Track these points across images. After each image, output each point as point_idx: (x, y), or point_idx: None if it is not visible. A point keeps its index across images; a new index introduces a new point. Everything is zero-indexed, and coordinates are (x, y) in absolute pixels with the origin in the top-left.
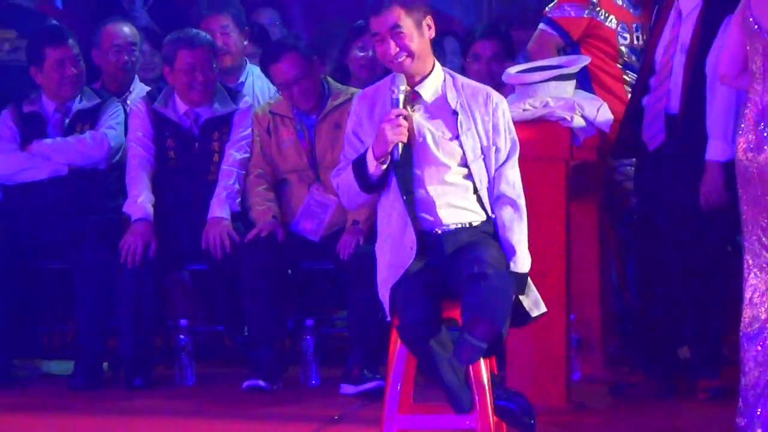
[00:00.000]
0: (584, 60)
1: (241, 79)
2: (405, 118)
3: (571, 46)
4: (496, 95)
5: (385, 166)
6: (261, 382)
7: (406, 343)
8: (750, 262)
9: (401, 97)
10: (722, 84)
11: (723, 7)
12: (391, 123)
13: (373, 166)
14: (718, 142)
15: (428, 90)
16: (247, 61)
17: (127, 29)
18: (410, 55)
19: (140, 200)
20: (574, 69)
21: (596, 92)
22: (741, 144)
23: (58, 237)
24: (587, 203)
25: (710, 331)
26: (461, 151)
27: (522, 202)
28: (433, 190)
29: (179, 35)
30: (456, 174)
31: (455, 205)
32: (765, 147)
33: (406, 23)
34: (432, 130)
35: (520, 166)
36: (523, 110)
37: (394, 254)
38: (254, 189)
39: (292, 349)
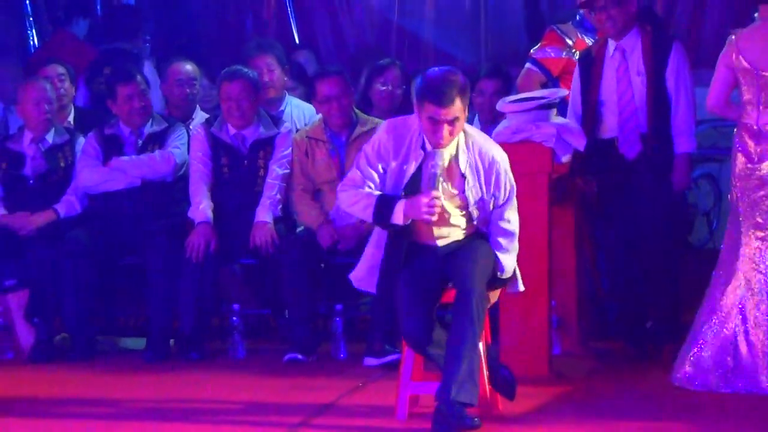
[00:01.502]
0: (563, 92)
1: (282, 107)
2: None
3: (552, 81)
4: (497, 156)
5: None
6: (299, 356)
7: (409, 347)
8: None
9: (438, 172)
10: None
11: (667, 40)
12: (429, 203)
13: (400, 221)
14: (685, 138)
15: (447, 152)
16: (287, 93)
17: (189, 67)
18: (454, 136)
19: (202, 207)
20: (555, 100)
21: None
22: (740, 158)
23: (133, 237)
24: (565, 208)
25: (668, 307)
26: (465, 203)
27: (516, 237)
28: (438, 231)
29: (226, 70)
30: (457, 216)
31: (453, 235)
32: (765, 159)
33: (462, 113)
34: (444, 186)
35: None
36: (513, 133)
37: (387, 257)
38: (302, 200)
39: (324, 329)
